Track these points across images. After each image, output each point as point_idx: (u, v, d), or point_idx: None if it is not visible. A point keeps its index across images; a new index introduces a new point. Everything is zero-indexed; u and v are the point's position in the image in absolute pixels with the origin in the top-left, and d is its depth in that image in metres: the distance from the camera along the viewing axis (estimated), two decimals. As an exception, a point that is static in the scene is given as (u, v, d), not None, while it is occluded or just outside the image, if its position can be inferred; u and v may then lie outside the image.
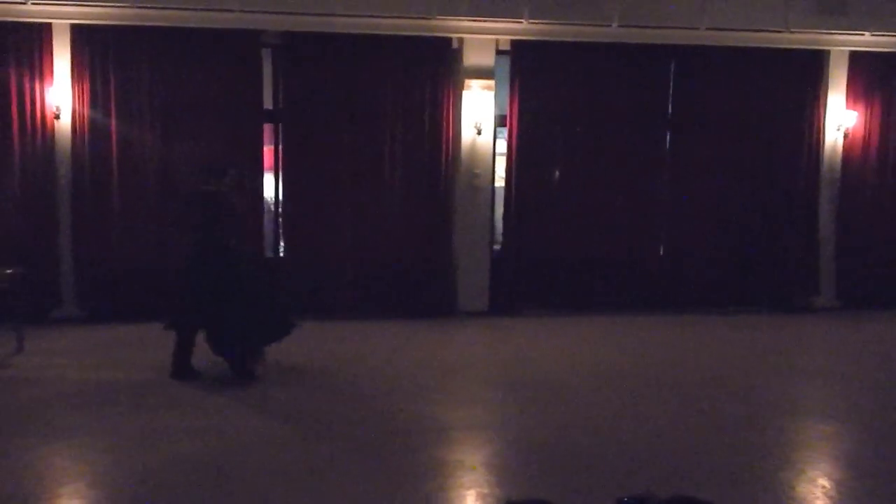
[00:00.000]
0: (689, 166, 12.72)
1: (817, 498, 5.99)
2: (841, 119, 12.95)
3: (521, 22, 11.86)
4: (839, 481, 6.31)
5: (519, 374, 9.28)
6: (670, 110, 12.74)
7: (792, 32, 12.44)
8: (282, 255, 12.26)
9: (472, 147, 12.15)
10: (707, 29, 12.18)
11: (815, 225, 13.09)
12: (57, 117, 11.22)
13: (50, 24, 11.13)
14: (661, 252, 12.91)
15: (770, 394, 8.67)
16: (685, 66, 12.62)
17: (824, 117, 12.96)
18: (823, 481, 6.30)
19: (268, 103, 11.94)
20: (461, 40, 12.00)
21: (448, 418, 7.69)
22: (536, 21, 11.88)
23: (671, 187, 12.76)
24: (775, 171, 12.91)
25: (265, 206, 12.20)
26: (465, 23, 11.83)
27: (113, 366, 9.21)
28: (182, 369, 8.59)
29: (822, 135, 12.99)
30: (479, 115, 12.04)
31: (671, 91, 12.71)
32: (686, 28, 12.20)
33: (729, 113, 12.69)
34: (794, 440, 7.33)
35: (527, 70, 12.19)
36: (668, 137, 12.74)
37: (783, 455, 6.88)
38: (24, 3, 10.89)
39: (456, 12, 11.70)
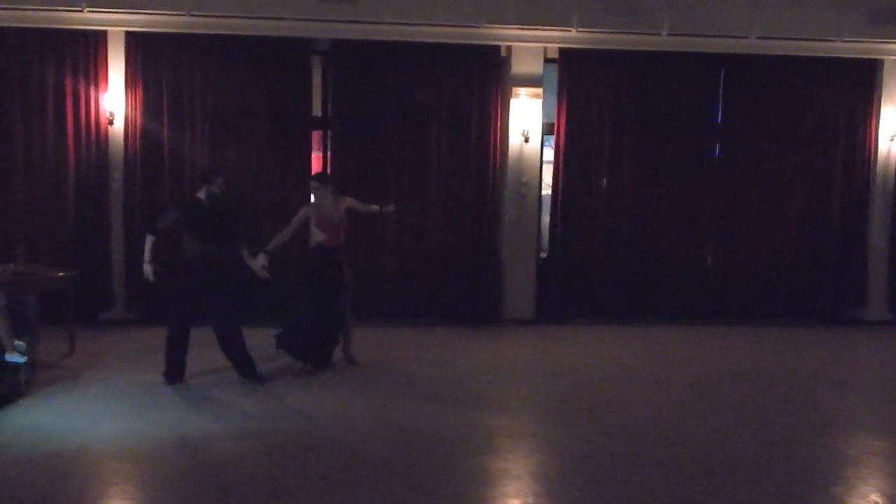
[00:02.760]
0: (739, 175, 12.61)
1: (869, 513, 5.94)
2: (893, 129, 12.77)
3: (570, 30, 11.84)
4: (892, 497, 6.23)
5: (565, 383, 9.25)
6: (720, 119, 12.63)
7: (844, 41, 12.29)
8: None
9: (520, 155, 12.15)
10: (758, 38, 12.09)
11: (865, 236, 12.93)
12: (111, 123, 11.40)
13: (105, 31, 11.32)
14: (709, 262, 12.80)
15: (820, 408, 8.55)
16: (735, 74, 12.52)
17: (877, 127, 12.80)
18: (875, 497, 6.22)
19: (316, 110, 12.05)
20: (509, 48, 12.03)
21: (493, 426, 7.69)
22: (585, 29, 11.85)
23: (719, 196, 12.64)
24: (825, 180, 12.77)
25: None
26: (514, 31, 11.84)
27: (160, 368, 9.30)
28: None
29: (874, 144, 12.82)
30: (526, 122, 12.03)
31: (721, 100, 12.60)
32: (736, 37, 12.12)
33: (779, 122, 12.60)
34: (844, 455, 7.22)
35: (575, 78, 12.17)
36: (717, 146, 12.63)
37: (834, 470, 6.81)
38: (80, 11, 11.06)
39: (504, 20, 11.70)
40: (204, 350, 10.13)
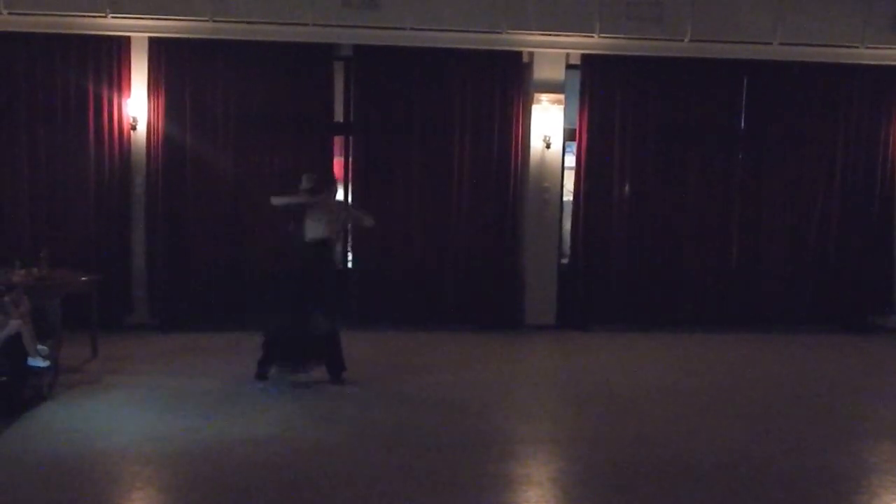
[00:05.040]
0: (762, 181, 12.54)
1: (892, 523, 5.90)
2: (918, 135, 12.71)
3: (592, 36, 11.81)
4: (915, 506, 6.21)
5: (587, 390, 9.22)
6: (742, 125, 12.57)
7: (867, 48, 12.22)
8: (350, 265, 12.34)
9: (541, 161, 12.12)
10: (780, 44, 12.03)
11: (890, 243, 12.86)
12: (133, 128, 11.44)
13: (129, 37, 11.37)
14: (732, 268, 12.70)
15: (844, 416, 8.52)
16: (758, 81, 12.46)
17: (901, 133, 12.74)
18: (898, 505, 6.20)
19: (338, 116, 12.06)
20: (531, 54, 12.00)
21: (515, 432, 7.69)
22: (607, 35, 11.82)
23: (742, 202, 12.57)
24: (849, 186, 12.68)
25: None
26: (536, 37, 11.83)
27: (183, 373, 9.36)
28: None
29: (898, 150, 12.78)
30: (548, 128, 12.01)
31: (744, 106, 12.54)
32: (759, 43, 12.06)
33: (802, 128, 12.52)
34: (868, 463, 7.21)
35: (597, 84, 12.14)
36: (740, 152, 12.55)
37: (857, 478, 6.78)
38: (104, 17, 11.13)
39: (526, 27, 11.70)
40: (224, 355, 10.21)
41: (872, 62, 12.43)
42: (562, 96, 12.03)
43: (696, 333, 12.19)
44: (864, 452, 7.45)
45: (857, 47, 12.23)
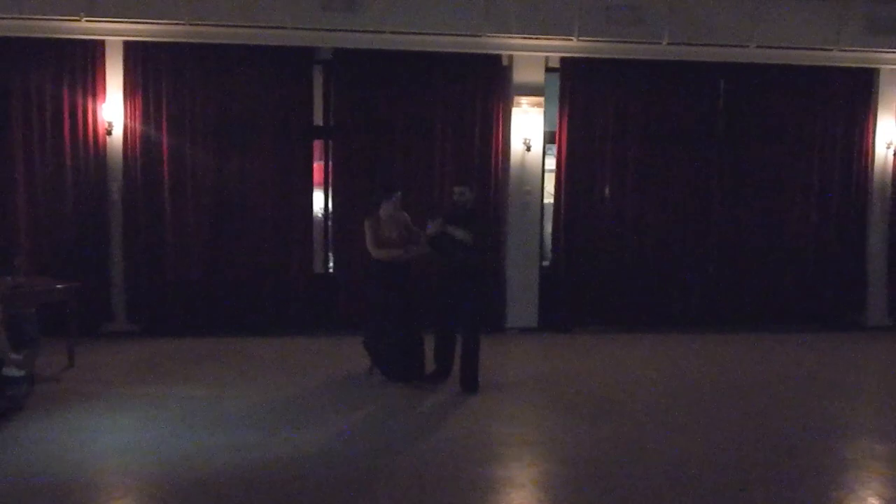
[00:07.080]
0: (739, 183, 12.63)
1: (867, 518, 5.94)
2: (891, 136, 12.86)
3: (571, 39, 11.84)
4: (890, 500, 6.29)
5: (568, 391, 9.22)
6: (720, 127, 12.63)
7: (842, 50, 12.35)
8: (331, 270, 12.28)
9: (522, 163, 12.12)
10: (757, 47, 12.13)
11: (863, 242, 13.01)
12: (109, 133, 11.32)
13: (103, 41, 11.23)
14: (711, 270, 12.79)
15: (821, 413, 8.59)
16: (735, 83, 12.55)
17: (874, 135, 12.86)
18: (874, 501, 6.26)
19: (318, 119, 12.01)
20: (511, 57, 12.01)
21: (497, 434, 7.66)
22: (586, 38, 11.85)
23: (720, 204, 12.64)
24: (825, 187, 12.82)
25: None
26: (516, 40, 11.83)
27: (162, 381, 9.26)
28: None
29: (871, 152, 12.90)
30: (528, 131, 12.01)
31: (721, 108, 12.62)
32: (736, 46, 12.15)
33: (779, 130, 12.66)
34: (845, 460, 7.25)
35: (576, 87, 12.16)
36: (717, 155, 12.60)
37: (834, 474, 6.86)
38: (78, 21, 11.00)
39: (506, 30, 11.70)
40: (205, 362, 10.14)
41: (847, 64, 12.58)
42: (541, 99, 12.04)
43: (678, 334, 12.27)
44: (840, 448, 7.51)
45: (831, 50, 12.35)
